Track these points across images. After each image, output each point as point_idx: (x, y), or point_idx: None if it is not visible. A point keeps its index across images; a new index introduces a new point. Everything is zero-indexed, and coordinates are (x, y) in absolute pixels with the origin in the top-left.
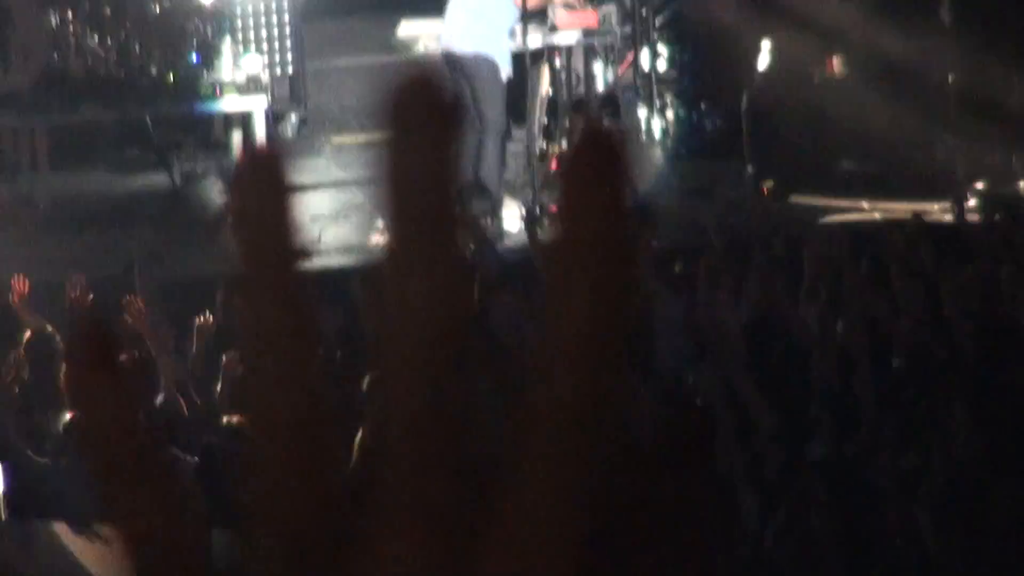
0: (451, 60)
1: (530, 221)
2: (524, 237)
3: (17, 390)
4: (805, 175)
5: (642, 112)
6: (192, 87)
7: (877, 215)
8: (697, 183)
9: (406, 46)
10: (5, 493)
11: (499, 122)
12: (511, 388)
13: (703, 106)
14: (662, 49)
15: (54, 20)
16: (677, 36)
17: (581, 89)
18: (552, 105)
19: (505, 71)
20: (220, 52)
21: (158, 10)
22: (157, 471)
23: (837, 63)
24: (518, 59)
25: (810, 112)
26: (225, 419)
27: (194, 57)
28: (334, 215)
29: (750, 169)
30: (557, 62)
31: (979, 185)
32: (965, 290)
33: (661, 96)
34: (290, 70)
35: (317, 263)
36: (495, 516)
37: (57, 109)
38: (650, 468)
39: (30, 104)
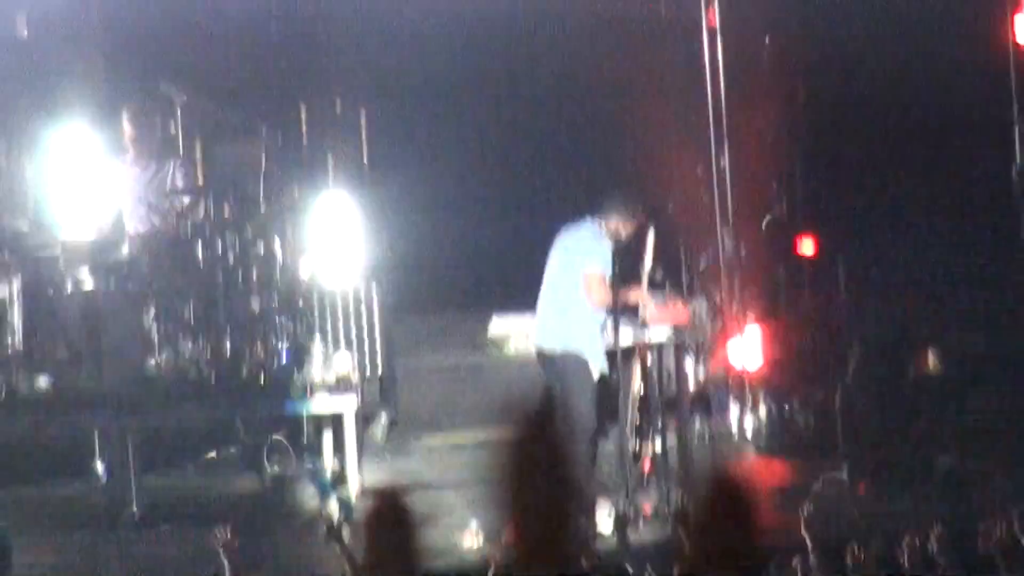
0: (542, 358)
1: (622, 524)
2: (616, 540)
3: None
4: (901, 472)
5: (733, 409)
6: (282, 387)
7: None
8: (790, 482)
9: (497, 344)
10: None
11: (589, 420)
12: None
13: (794, 403)
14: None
15: (145, 321)
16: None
17: (672, 387)
18: (643, 403)
19: (596, 369)
20: (310, 351)
21: (249, 311)
22: None
23: (931, 358)
24: (610, 356)
25: (904, 408)
26: None
27: (284, 356)
28: (425, 518)
29: (845, 468)
30: (648, 359)
31: None
32: None
33: (752, 392)
34: (380, 370)
35: None
36: None
37: (147, 410)
38: None
39: (121, 405)
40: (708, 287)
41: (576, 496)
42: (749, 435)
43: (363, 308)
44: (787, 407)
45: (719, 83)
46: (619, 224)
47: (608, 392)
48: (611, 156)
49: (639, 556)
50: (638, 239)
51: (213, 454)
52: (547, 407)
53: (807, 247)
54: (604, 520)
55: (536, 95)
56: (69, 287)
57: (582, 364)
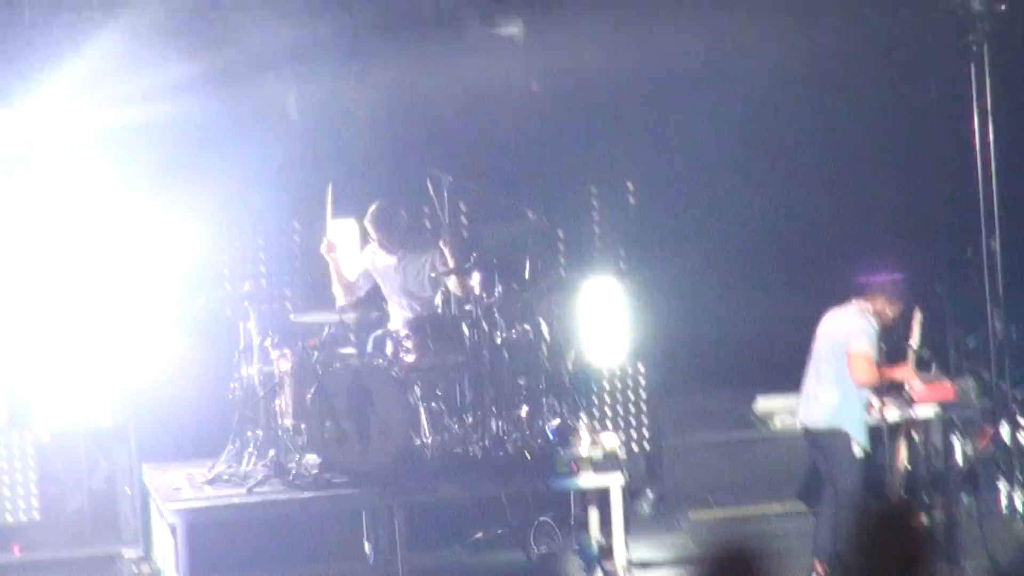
0: (807, 434)
1: None
2: None
3: None
4: None
5: (1003, 486)
6: (548, 463)
7: None
8: None
9: (763, 420)
10: None
11: (854, 494)
12: None
13: None
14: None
15: (411, 399)
16: None
17: (939, 463)
18: (911, 479)
19: (859, 446)
20: (577, 428)
21: (515, 389)
22: None
23: None
24: (876, 434)
25: None
26: None
27: (550, 434)
28: None
29: None
30: (915, 436)
31: None
32: None
33: (1023, 470)
34: (647, 446)
35: None
36: None
37: (414, 487)
38: None
39: (388, 482)
40: (977, 366)
41: None
42: (1020, 513)
43: (629, 387)
44: None
45: (990, 163)
46: (885, 305)
47: (873, 469)
48: (876, 235)
49: None
50: (905, 318)
51: (480, 534)
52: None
53: None
54: None
55: (799, 175)
56: (337, 365)
57: (845, 440)
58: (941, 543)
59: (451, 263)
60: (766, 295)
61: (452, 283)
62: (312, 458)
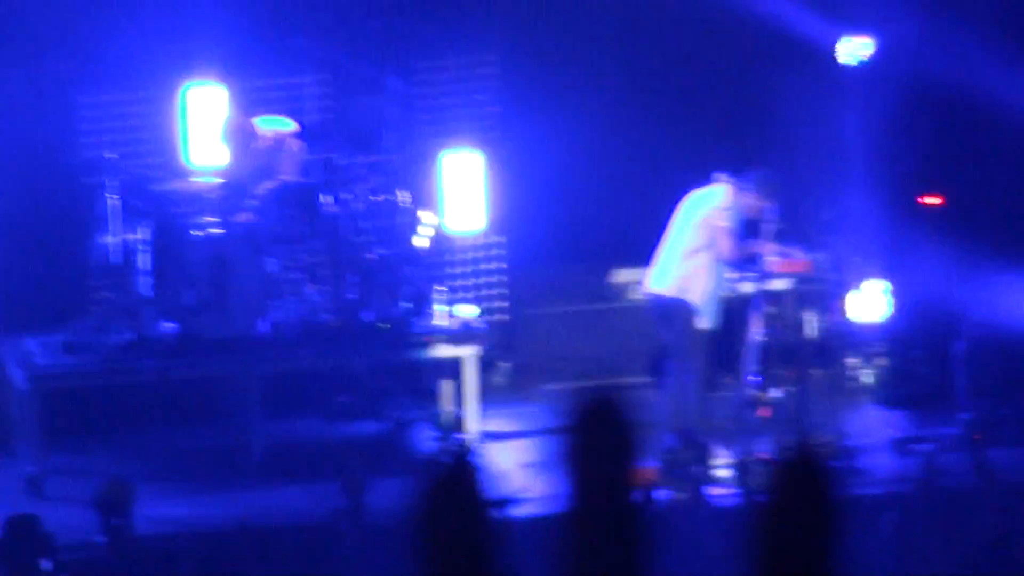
0: (653, 302)
1: (742, 470)
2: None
3: None
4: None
5: (854, 360)
6: (404, 334)
7: None
8: (906, 432)
9: (618, 291)
10: None
11: (696, 366)
12: None
13: (915, 355)
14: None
15: (271, 267)
16: None
17: (792, 336)
18: (765, 352)
19: (709, 318)
20: (433, 300)
21: (373, 258)
22: None
23: None
24: (730, 305)
25: None
26: None
27: (407, 305)
28: (545, 463)
29: (962, 418)
30: (769, 308)
31: None
32: None
33: (873, 344)
34: (504, 317)
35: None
36: None
37: (272, 356)
38: None
39: (246, 351)
40: (832, 240)
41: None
42: (869, 385)
43: (487, 259)
44: (908, 359)
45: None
46: (750, 196)
47: (727, 340)
48: (741, 116)
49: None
50: (765, 192)
51: (336, 400)
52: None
53: (932, 201)
54: (721, 466)
55: (669, 55)
56: (196, 234)
57: (689, 312)
58: (793, 416)
59: (307, 137)
60: (627, 170)
61: (294, 152)
62: (170, 326)
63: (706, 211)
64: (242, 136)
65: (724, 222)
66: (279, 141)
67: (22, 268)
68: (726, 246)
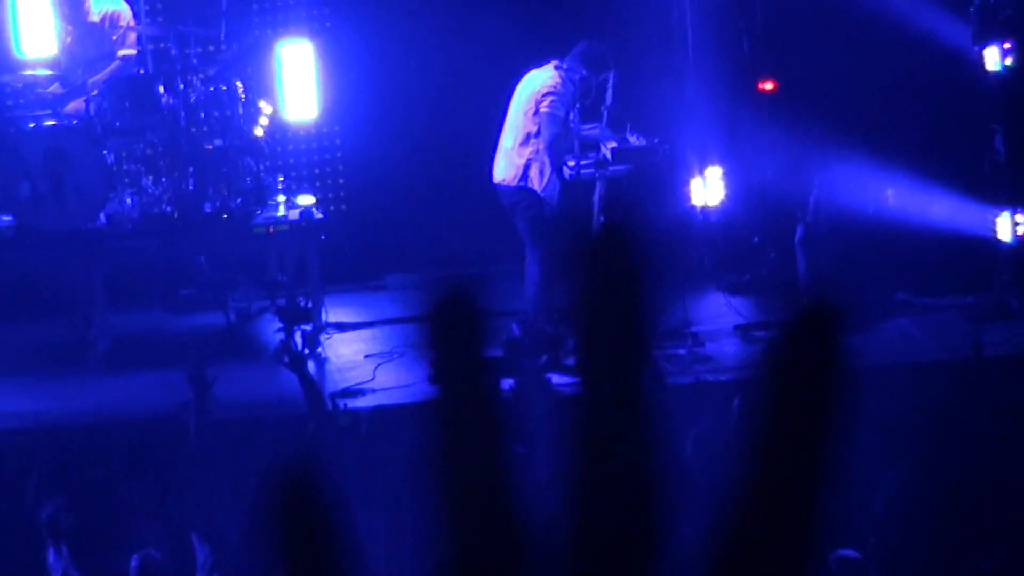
0: (498, 192)
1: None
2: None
3: None
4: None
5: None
6: (245, 223)
7: None
8: (749, 319)
9: None
10: None
11: (541, 254)
12: None
13: (755, 240)
14: None
15: (109, 159)
16: None
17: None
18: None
19: (547, 202)
20: (274, 190)
21: (211, 150)
22: None
23: (892, 195)
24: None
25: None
26: None
27: (248, 196)
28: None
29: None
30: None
31: None
32: None
33: (713, 230)
34: (344, 207)
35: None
36: None
37: (112, 248)
38: None
39: (86, 243)
40: (669, 125)
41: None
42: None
43: (326, 148)
44: (748, 244)
45: None
46: (582, 67)
47: (573, 228)
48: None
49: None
50: (601, 80)
51: (178, 292)
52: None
53: (768, 86)
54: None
55: None
56: (32, 125)
57: (532, 198)
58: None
59: (131, 21)
60: (464, 57)
61: (129, 55)
62: (7, 219)
63: (531, 96)
64: (73, 11)
65: (547, 108)
66: (113, 19)
67: None
68: (547, 133)
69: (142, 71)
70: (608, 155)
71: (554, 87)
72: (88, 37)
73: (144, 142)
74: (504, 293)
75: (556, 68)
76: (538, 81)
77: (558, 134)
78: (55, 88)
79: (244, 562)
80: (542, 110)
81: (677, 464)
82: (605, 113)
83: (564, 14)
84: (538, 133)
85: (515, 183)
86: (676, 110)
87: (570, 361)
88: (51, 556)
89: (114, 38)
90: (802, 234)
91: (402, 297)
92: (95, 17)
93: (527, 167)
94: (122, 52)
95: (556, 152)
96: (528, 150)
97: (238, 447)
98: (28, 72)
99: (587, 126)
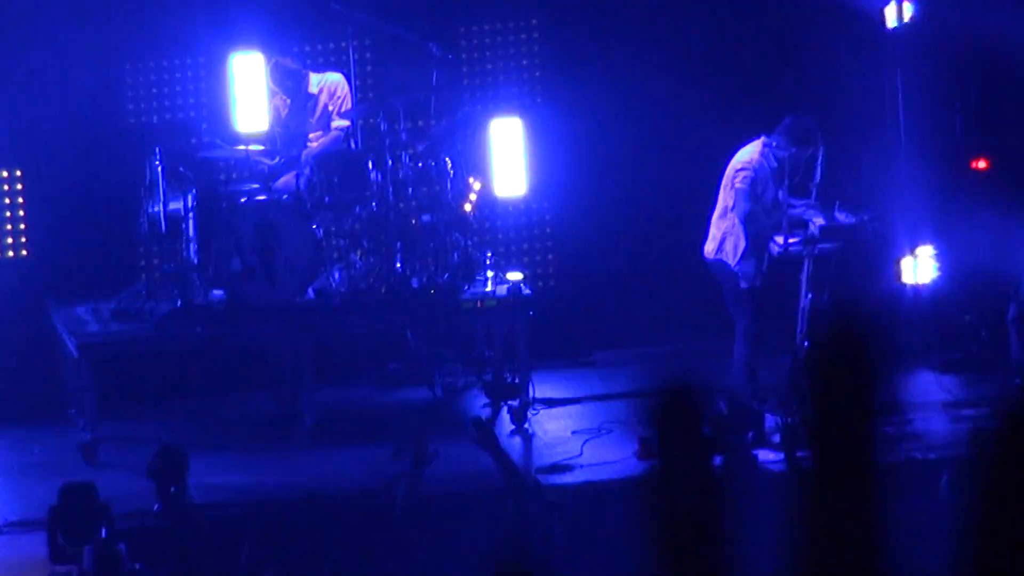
0: (706, 266)
1: (793, 434)
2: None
3: None
4: None
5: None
6: (453, 299)
7: None
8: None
9: None
10: None
11: (741, 329)
12: None
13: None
14: None
15: (318, 233)
16: None
17: (838, 296)
18: (813, 315)
19: (748, 279)
20: (482, 265)
21: (419, 224)
22: None
23: None
24: (776, 267)
25: None
26: None
27: (456, 271)
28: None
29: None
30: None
31: None
32: None
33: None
34: (552, 283)
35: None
36: None
37: (320, 323)
38: None
39: (294, 318)
40: (879, 203)
41: None
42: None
43: (534, 225)
44: (959, 323)
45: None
46: (789, 143)
47: (777, 303)
48: (785, 80)
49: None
50: (809, 156)
51: (386, 367)
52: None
53: (982, 164)
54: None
55: (710, 18)
56: (243, 200)
57: (731, 273)
58: None
59: (349, 103)
60: (673, 131)
61: (345, 126)
62: (218, 294)
63: (730, 170)
64: (294, 83)
65: (740, 183)
66: (331, 92)
67: (72, 237)
68: (739, 208)
69: (352, 146)
70: (816, 232)
71: (749, 162)
72: (306, 109)
73: (353, 217)
74: (713, 369)
75: (763, 144)
76: (741, 155)
77: (753, 210)
78: (265, 160)
79: None
80: (736, 185)
81: (895, 540)
82: (813, 190)
83: (775, 89)
84: (734, 207)
85: (713, 256)
86: (886, 187)
87: (777, 438)
88: None
89: (331, 109)
90: (1015, 312)
91: (610, 373)
92: (314, 88)
93: (723, 240)
94: (336, 124)
95: (753, 227)
96: (725, 223)
97: (444, 522)
98: (241, 147)
99: (796, 203)
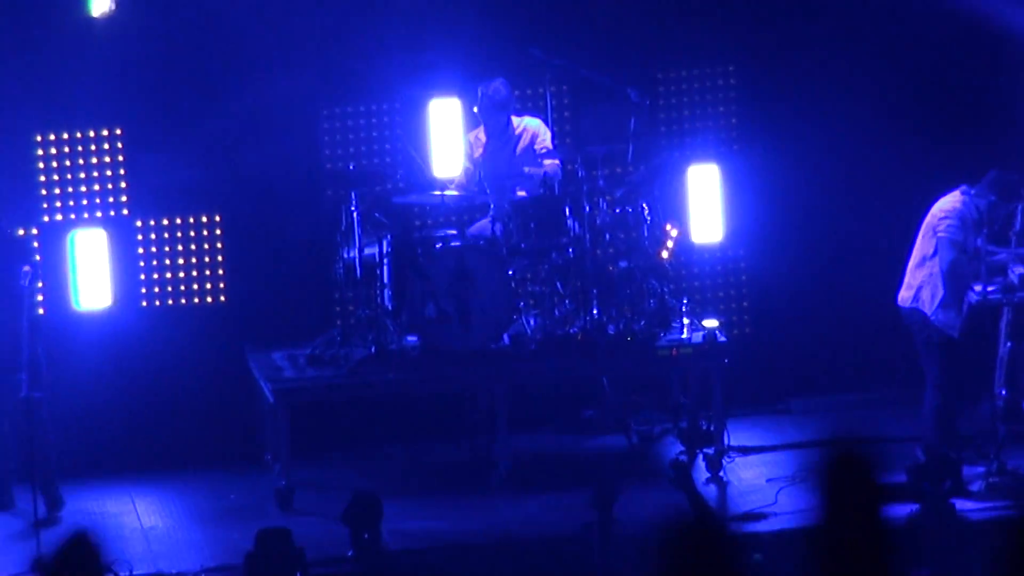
0: (900, 315)
1: (993, 484)
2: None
3: None
4: None
5: None
6: (649, 346)
7: None
8: None
9: None
10: None
11: (935, 378)
12: None
13: None
14: None
15: (513, 280)
16: None
17: None
18: (1014, 364)
19: (946, 328)
20: (678, 312)
21: (616, 270)
22: None
23: None
24: (976, 316)
25: None
26: None
27: (651, 317)
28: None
29: None
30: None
31: None
32: None
33: None
34: (747, 330)
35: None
36: None
37: (515, 369)
38: None
39: (489, 364)
40: None
41: None
42: None
43: (730, 271)
44: None
45: None
46: (991, 193)
47: (976, 352)
48: (988, 122)
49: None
50: (1010, 208)
51: (581, 413)
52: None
53: None
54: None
55: (911, 61)
56: (438, 246)
57: (926, 323)
58: None
59: (549, 143)
60: (870, 179)
61: (555, 165)
62: (412, 339)
63: (931, 218)
64: (496, 123)
65: (943, 231)
66: (534, 136)
67: (269, 282)
68: (943, 257)
69: (550, 192)
70: (1016, 280)
71: (952, 211)
72: (506, 148)
73: (549, 263)
74: (910, 417)
75: (962, 193)
76: (942, 204)
77: (956, 259)
78: (461, 205)
79: None
80: (939, 233)
81: None
82: (1013, 239)
83: (976, 141)
84: (933, 255)
85: (909, 304)
86: None
87: (976, 487)
88: None
89: (537, 147)
90: None
91: (805, 421)
92: (517, 130)
93: (920, 289)
94: (548, 162)
95: (954, 277)
96: (923, 272)
97: (641, 568)
98: (437, 192)
99: (996, 250)
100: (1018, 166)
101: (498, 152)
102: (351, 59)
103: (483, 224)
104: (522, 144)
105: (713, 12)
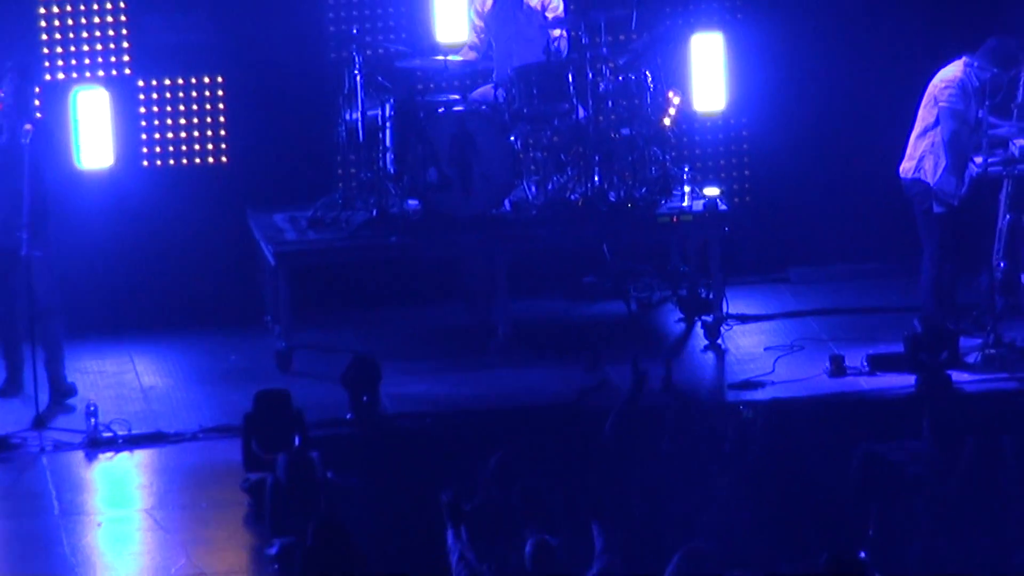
0: (902, 185)
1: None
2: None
3: None
4: None
5: None
6: (650, 214)
7: None
8: None
9: None
10: None
11: (933, 249)
12: None
13: None
14: None
15: (515, 145)
16: None
17: None
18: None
19: (939, 199)
20: (679, 180)
21: (618, 138)
22: None
23: None
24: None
25: None
26: None
27: (653, 185)
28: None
29: None
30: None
31: None
32: None
33: None
34: (748, 199)
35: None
36: None
37: (515, 235)
38: None
39: (489, 228)
40: None
41: None
42: None
43: (732, 140)
44: None
45: None
46: (992, 64)
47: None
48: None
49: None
50: (1011, 77)
51: (580, 280)
52: None
53: None
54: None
55: None
56: (441, 111)
57: (926, 193)
58: None
59: (561, 11)
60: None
61: (559, 32)
62: (414, 203)
63: (932, 88)
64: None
65: (944, 101)
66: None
67: (271, 144)
68: (945, 126)
69: (553, 58)
70: (1017, 153)
71: (953, 80)
72: (515, 15)
73: (551, 130)
74: (909, 288)
75: (965, 64)
76: (943, 75)
77: (957, 129)
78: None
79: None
80: (941, 103)
81: None
82: (1015, 110)
83: (978, 10)
84: (935, 125)
85: (911, 175)
86: None
87: (972, 358)
88: (450, 538)
89: (548, 14)
90: None
91: (804, 290)
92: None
93: (922, 159)
94: (556, 32)
95: (956, 147)
96: (924, 142)
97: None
98: (440, 57)
99: (997, 123)
100: (1018, 33)
101: (506, 17)
102: None
103: (486, 90)
104: (534, 4)
105: None
